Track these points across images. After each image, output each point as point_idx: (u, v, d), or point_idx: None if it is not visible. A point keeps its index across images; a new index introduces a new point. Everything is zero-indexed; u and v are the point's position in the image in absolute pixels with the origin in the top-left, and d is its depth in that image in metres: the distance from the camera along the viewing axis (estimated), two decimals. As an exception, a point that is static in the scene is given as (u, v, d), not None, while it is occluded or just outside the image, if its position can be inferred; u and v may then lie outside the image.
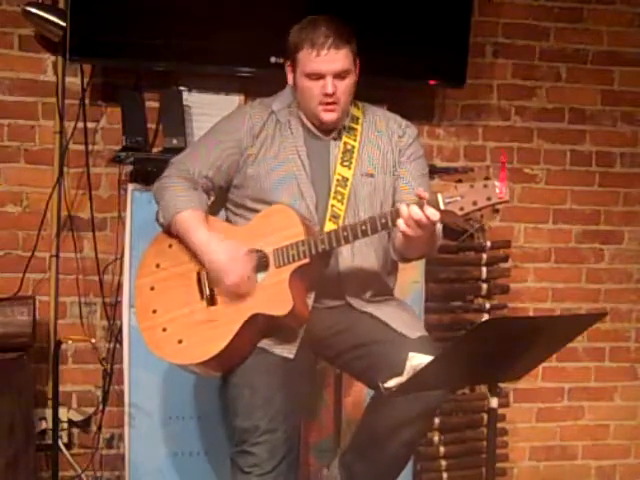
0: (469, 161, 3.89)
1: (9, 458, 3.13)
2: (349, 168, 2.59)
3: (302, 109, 2.62)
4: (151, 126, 3.53)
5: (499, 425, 3.40)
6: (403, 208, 2.31)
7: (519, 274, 3.94)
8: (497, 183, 2.24)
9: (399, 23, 3.50)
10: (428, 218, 2.26)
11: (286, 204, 2.53)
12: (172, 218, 2.58)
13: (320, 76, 2.52)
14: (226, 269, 2.49)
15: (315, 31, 2.52)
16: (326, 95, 2.53)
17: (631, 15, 4.01)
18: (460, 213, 2.27)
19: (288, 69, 2.62)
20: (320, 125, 2.61)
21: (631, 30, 4.01)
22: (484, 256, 3.72)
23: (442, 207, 2.27)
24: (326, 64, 2.51)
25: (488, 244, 3.73)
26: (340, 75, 2.53)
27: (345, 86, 2.56)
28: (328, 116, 2.56)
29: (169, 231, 2.62)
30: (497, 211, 2.31)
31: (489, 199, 2.25)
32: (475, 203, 2.25)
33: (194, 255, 2.58)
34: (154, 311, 2.59)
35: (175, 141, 3.35)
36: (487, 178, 2.27)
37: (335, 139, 2.63)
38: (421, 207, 2.27)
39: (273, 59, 3.44)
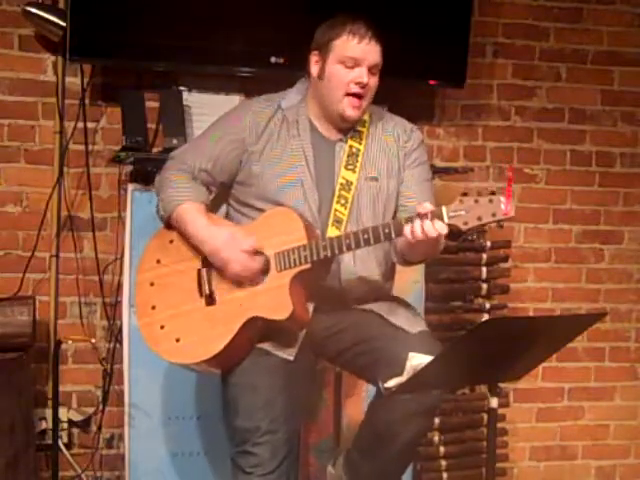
0: (469, 161, 3.89)
1: (9, 458, 3.13)
2: (353, 172, 2.58)
3: (321, 102, 2.59)
4: (151, 126, 3.53)
5: (499, 425, 3.40)
6: (410, 223, 2.31)
7: (519, 274, 3.94)
8: (502, 199, 2.23)
9: (399, 23, 3.50)
10: (436, 232, 2.27)
11: (289, 207, 2.52)
12: (172, 210, 2.58)
13: (357, 63, 2.52)
14: (225, 249, 2.48)
15: (355, 23, 2.55)
16: (358, 84, 2.52)
17: (631, 15, 4.01)
18: (464, 228, 2.27)
19: (314, 59, 2.59)
20: (339, 121, 2.58)
21: (631, 30, 4.01)
22: (484, 256, 3.72)
23: (446, 220, 2.27)
24: (366, 53, 2.53)
25: (488, 244, 3.72)
26: (372, 70, 2.55)
27: (374, 83, 2.57)
28: (352, 112, 2.55)
29: (169, 225, 2.62)
30: (502, 227, 2.30)
31: (494, 215, 2.25)
32: (480, 218, 2.25)
33: (194, 251, 2.57)
34: (153, 307, 2.59)
35: (175, 141, 3.35)
36: (493, 193, 2.26)
37: (341, 141, 2.62)
38: (430, 220, 2.27)
39: (273, 59, 3.45)
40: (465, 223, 2.26)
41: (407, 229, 2.32)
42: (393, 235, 2.38)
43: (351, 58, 2.52)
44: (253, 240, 2.49)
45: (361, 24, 2.54)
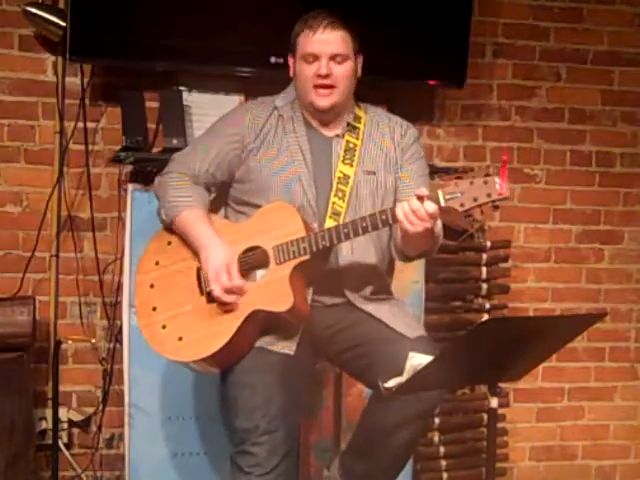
0: (469, 161, 3.89)
1: (9, 458, 3.13)
2: (351, 166, 2.60)
3: (299, 98, 2.62)
4: (151, 126, 3.53)
5: (499, 425, 3.40)
6: (403, 202, 2.33)
7: (519, 274, 3.94)
8: (497, 179, 2.25)
9: (399, 23, 3.50)
10: (427, 211, 2.29)
11: (286, 201, 2.54)
12: (174, 217, 2.59)
13: (315, 58, 2.54)
14: (215, 277, 2.49)
15: (315, 17, 2.56)
16: (320, 76, 2.53)
17: (631, 15, 4.01)
18: (461, 209, 2.28)
19: (290, 61, 2.63)
20: (315, 113, 2.60)
21: (631, 30, 4.01)
22: (484, 256, 3.72)
23: (442, 203, 2.29)
24: (321, 44, 2.53)
25: (488, 244, 3.73)
26: (336, 59, 2.54)
27: (343, 71, 2.56)
28: (321, 101, 2.56)
29: (170, 228, 2.63)
30: (497, 207, 2.31)
31: (489, 195, 2.26)
32: (475, 199, 2.27)
33: (194, 252, 2.58)
34: (154, 308, 2.59)
35: (175, 141, 3.35)
36: (487, 175, 2.28)
37: (338, 137, 2.63)
38: (420, 201, 2.29)
39: (273, 59, 3.44)
40: (462, 205, 2.28)
41: (399, 211, 2.33)
42: (391, 221, 2.39)
43: (309, 54, 2.55)
44: (241, 283, 2.48)
45: (319, 15, 2.55)
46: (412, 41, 3.56)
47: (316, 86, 2.55)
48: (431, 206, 2.29)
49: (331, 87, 2.55)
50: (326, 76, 2.53)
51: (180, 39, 3.40)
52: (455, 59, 3.66)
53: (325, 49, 2.53)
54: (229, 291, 2.49)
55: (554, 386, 4.01)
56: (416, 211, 2.30)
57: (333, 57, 2.54)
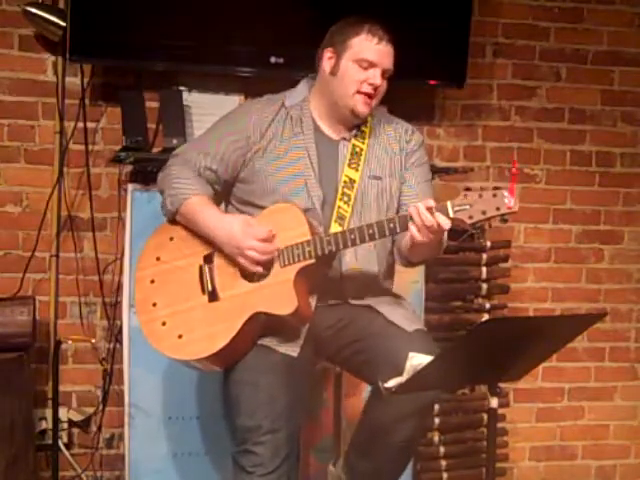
0: (469, 161, 3.89)
1: (9, 458, 3.13)
2: (356, 170, 2.60)
3: (330, 99, 2.60)
4: (151, 126, 3.53)
5: (499, 425, 3.40)
6: (415, 214, 2.33)
7: (519, 274, 3.94)
8: (506, 193, 2.25)
9: (399, 23, 3.49)
10: (439, 225, 2.29)
11: (292, 203, 2.53)
12: (180, 204, 2.57)
13: (372, 65, 2.55)
14: (241, 236, 2.47)
15: (373, 24, 2.57)
16: (370, 85, 2.55)
17: (631, 15, 4.01)
18: (469, 222, 2.29)
19: (327, 55, 2.59)
20: (349, 116, 2.59)
21: (631, 30, 4.01)
22: (484, 256, 3.72)
23: (451, 215, 2.29)
24: (382, 56, 2.56)
25: (488, 244, 3.72)
26: (384, 75, 2.57)
27: (384, 87, 2.60)
28: (364, 108, 2.57)
29: (174, 220, 2.62)
30: (506, 221, 2.32)
31: (498, 209, 2.27)
32: (484, 213, 2.27)
33: (196, 248, 2.57)
34: (154, 304, 2.58)
35: (175, 141, 3.35)
36: (497, 188, 2.29)
37: (344, 140, 2.63)
38: (432, 214, 2.29)
39: (273, 59, 3.45)
40: (470, 217, 2.28)
41: (412, 225, 2.33)
42: (398, 229, 2.39)
43: (367, 60, 2.55)
44: (267, 228, 2.48)
45: (378, 26, 2.57)
46: (412, 41, 3.53)
47: (363, 93, 2.56)
48: (446, 222, 2.28)
49: (372, 97, 2.58)
50: (377, 87, 2.56)
51: (180, 39, 3.41)
52: (455, 59, 3.66)
53: (384, 61, 2.56)
54: (263, 252, 2.47)
55: (554, 386, 4.01)
56: (429, 226, 2.30)
57: (385, 71, 2.57)
